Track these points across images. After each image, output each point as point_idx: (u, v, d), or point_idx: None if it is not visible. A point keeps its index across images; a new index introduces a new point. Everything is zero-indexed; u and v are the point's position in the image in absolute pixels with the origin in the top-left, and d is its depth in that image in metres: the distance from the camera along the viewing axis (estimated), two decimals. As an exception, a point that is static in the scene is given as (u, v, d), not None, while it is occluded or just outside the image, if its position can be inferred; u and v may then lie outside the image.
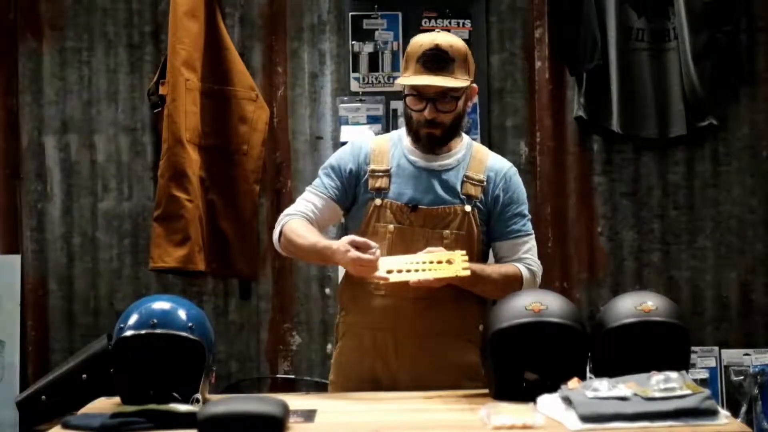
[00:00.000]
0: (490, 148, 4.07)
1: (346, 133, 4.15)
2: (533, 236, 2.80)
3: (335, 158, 2.82)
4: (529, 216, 2.81)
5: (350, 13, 4.25)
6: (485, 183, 2.74)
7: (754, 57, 4.28)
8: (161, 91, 4.04)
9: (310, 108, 4.32)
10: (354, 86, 4.25)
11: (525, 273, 2.73)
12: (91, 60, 4.33)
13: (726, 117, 4.26)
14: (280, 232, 2.74)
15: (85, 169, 4.32)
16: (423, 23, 4.16)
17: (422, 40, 2.69)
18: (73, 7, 4.32)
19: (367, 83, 4.23)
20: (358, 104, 4.22)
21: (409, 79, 2.67)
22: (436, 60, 2.64)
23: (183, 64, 3.97)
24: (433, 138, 2.70)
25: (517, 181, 2.80)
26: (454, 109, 2.68)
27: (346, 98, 4.25)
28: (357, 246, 2.55)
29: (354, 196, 2.77)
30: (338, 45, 4.30)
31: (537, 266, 2.77)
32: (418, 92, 2.66)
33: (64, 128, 4.32)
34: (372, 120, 4.20)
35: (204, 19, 4.05)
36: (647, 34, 4.22)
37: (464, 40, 4.09)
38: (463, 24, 4.23)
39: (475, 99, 2.82)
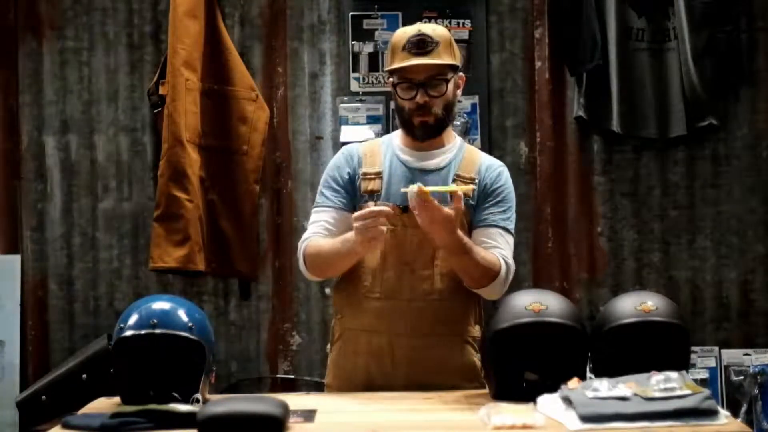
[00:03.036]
0: (490, 148, 4.14)
1: (346, 133, 4.15)
2: (512, 237, 2.75)
3: (331, 168, 2.81)
4: (513, 217, 2.76)
5: (350, 13, 4.25)
6: (477, 180, 2.73)
7: (754, 57, 4.27)
8: (161, 91, 4.04)
9: (310, 108, 4.32)
10: (354, 86, 4.25)
11: (502, 264, 2.66)
12: (91, 60, 4.32)
13: (726, 117, 4.26)
14: (304, 258, 2.73)
15: (85, 169, 4.32)
16: (423, 23, 4.14)
17: (406, 30, 2.74)
18: (73, 7, 4.32)
19: (367, 83, 4.23)
20: (358, 104, 4.22)
21: (398, 64, 2.68)
22: (422, 44, 2.67)
23: (183, 64, 3.97)
24: (426, 126, 2.69)
25: (506, 178, 2.78)
26: (443, 93, 2.68)
27: (346, 98, 4.25)
28: (362, 217, 2.50)
29: (354, 196, 2.77)
30: (338, 45, 4.30)
31: (512, 264, 2.72)
32: (408, 79, 2.68)
33: (64, 128, 4.32)
34: (372, 120, 4.19)
35: (204, 19, 4.05)
36: (647, 34, 4.22)
37: (464, 40, 4.22)
38: (463, 24, 4.23)
39: (461, 93, 2.81)
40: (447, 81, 2.69)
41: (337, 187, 2.76)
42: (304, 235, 2.77)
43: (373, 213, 2.48)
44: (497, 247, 2.69)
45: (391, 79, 2.73)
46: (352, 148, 2.83)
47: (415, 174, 2.70)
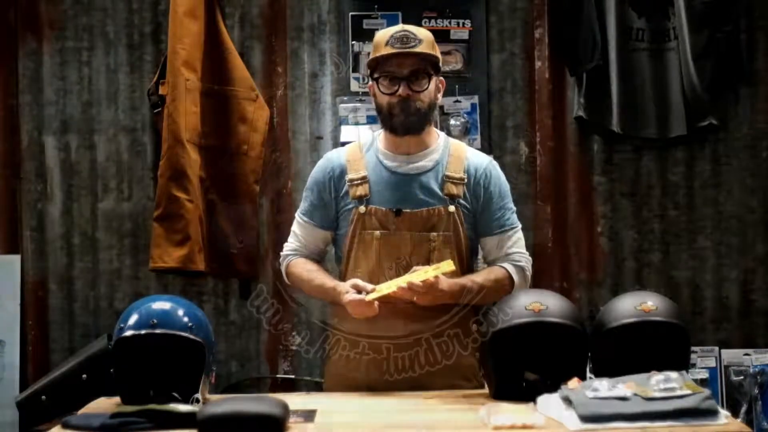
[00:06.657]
0: (490, 147, 4.14)
1: (346, 133, 4.15)
2: (519, 228, 2.81)
3: (312, 177, 2.87)
4: (514, 208, 2.82)
5: (350, 13, 4.25)
6: (466, 180, 2.73)
7: (754, 57, 4.27)
8: (161, 91, 4.04)
9: (310, 108, 4.32)
10: (354, 86, 4.25)
11: (513, 272, 2.73)
12: (91, 60, 4.32)
13: (726, 117, 4.26)
14: (287, 271, 2.89)
15: (85, 169, 4.32)
16: (423, 23, 4.15)
17: (389, 29, 2.76)
18: (73, 7, 4.32)
19: (367, 83, 4.22)
20: (358, 104, 4.22)
21: (382, 53, 2.69)
22: (405, 40, 2.69)
23: (183, 64, 3.97)
24: (408, 119, 2.69)
25: (498, 175, 2.81)
26: (426, 88, 2.69)
27: (346, 98, 4.25)
28: (357, 289, 2.62)
29: (336, 210, 2.78)
30: (338, 45, 4.30)
31: (525, 261, 2.78)
32: (391, 72, 2.69)
33: (64, 128, 4.32)
34: (372, 120, 4.18)
35: (204, 19, 4.05)
36: (647, 34, 4.22)
37: (464, 40, 4.22)
38: (463, 24, 4.23)
39: (441, 97, 2.83)
40: (430, 76, 2.70)
41: (314, 200, 2.84)
42: (286, 248, 2.91)
43: (365, 302, 2.61)
44: (508, 255, 2.76)
45: (372, 78, 2.74)
46: (333, 158, 2.85)
47: (401, 178, 2.71)
